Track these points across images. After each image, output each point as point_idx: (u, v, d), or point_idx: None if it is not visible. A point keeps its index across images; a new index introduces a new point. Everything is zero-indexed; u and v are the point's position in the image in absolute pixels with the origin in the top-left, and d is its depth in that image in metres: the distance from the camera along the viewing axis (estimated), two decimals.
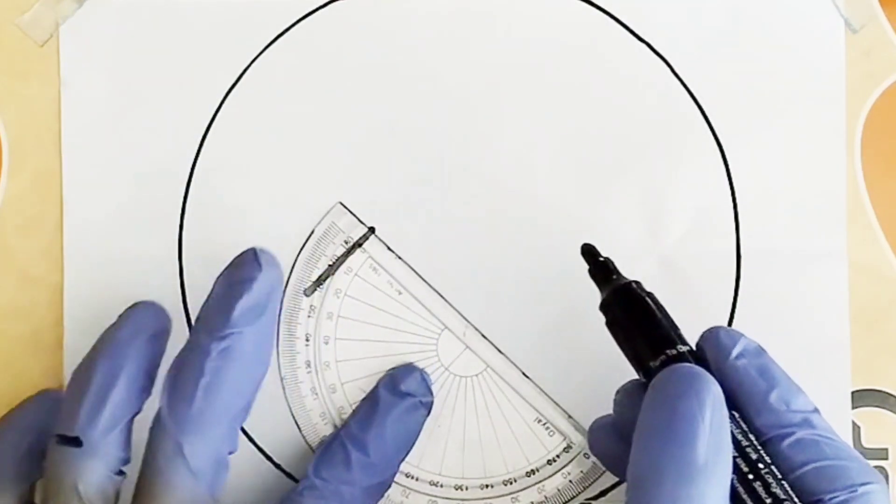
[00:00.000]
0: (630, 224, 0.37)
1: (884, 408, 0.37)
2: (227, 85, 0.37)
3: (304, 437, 0.37)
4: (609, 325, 0.32)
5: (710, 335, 0.31)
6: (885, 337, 0.37)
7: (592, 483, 0.37)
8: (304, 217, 0.37)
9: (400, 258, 0.37)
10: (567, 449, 0.37)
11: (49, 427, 0.32)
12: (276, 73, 0.37)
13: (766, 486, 0.28)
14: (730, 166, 0.37)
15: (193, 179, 0.37)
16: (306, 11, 0.37)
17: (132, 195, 0.37)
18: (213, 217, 0.37)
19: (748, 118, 0.37)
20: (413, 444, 0.36)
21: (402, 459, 0.35)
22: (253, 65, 0.37)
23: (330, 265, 0.37)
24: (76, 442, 0.30)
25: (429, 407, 0.36)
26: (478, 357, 0.37)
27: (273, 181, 0.37)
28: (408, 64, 0.37)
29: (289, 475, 0.37)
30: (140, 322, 0.33)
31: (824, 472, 0.29)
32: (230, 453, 0.31)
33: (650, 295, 0.31)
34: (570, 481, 0.37)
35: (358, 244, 0.37)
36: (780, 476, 0.29)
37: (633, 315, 0.31)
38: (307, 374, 0.36)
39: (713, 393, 0.28)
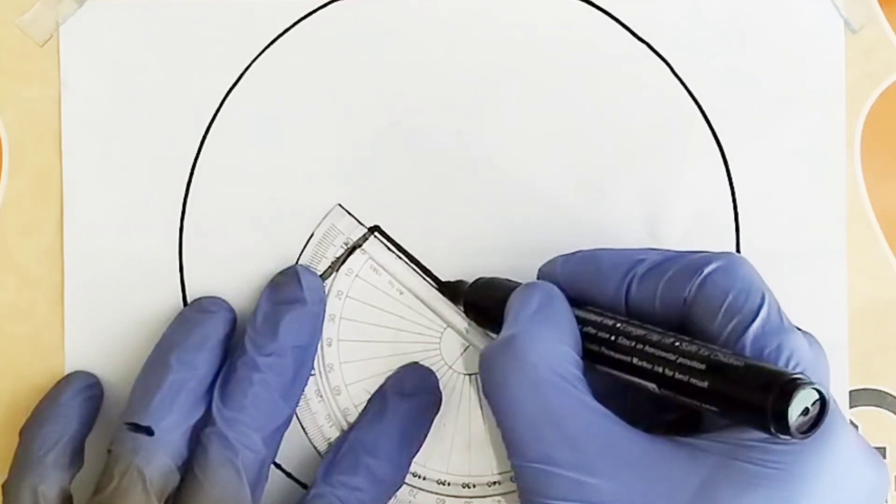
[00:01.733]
0: (630, 224, 0.37)
1: (882, 407, 0.37)
2: (227, 85, 0.37)
3: (309, 440, 0.37)
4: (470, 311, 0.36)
5: (539, 273, 0.35)
6: (883, 336, 0.37)
7: None
8: (304, 217, 0.37)
9: (401, 258, 0.37)
10: None
11: (89, 418, 0.35)
12: (276, 73, 0.37)
13: (627, 335, 0.30)
14: (730, 166, 0.37)
15: (193, 179, 0.37)
16: (306, 11, 0.37)
17: (132, 195, 0.37)
18: (213, 217, 0.37)
19: (748, 118, 0.37)
20: (422, 443, 0.36)
21: (412, 459, 0.35)
22: (253, 65, 0.37)
23: (330, 266, 0.37)
24: (148, 431, 0.32)
25: (437, 406, 0.36)
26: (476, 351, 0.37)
27: (273, 181, 0.37)
28: (407, 64, 0.37)
29: (295, 479, 0.37)
30: (211, 328, 0.35)
31: (670, 283, 0.31)
32: (271, 463, 0.34)
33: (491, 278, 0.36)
34: None
35: (358, 245, 0.37)
36: (640, 323, 0.31)
37: (484, 293, 0.35)
38: (311, 377, 0.36)
39: (541, 287, 0.32)
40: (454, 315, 0.37)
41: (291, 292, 0.35)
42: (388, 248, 0.37)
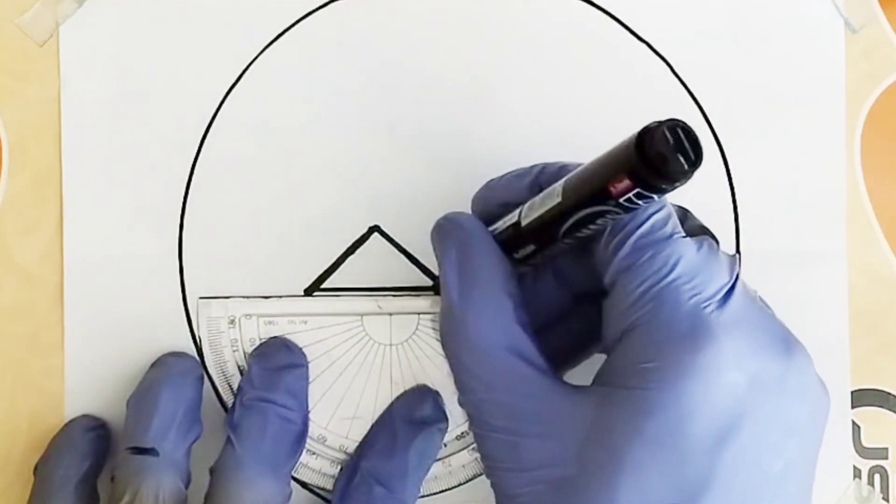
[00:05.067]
0: None
1: (883, 407, 0.37)
2: (227, 85, 0.37)
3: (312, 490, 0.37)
4: None
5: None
6: (884, 336, 0.37)
7: None
8: (303, 216, 0.37)
9: (405, 251, 0.37)
10: None
11: (100, 455, 0.35)
12: (276, 73, 0.37)
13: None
14: (730, 166, 0.37)
15: (193, 179, 0.37)
16: (306, 11, 0.37)
17: (132, 195, 0.37)
18: (213, 217, 0.37)
19: (748, 118, 0.37)
20: (430, 467, 0.36)
21: (422, 482, 0.35)
22: (253, 65, 0.37)
23: (331, 265, 0.37)
24: (153, 452, 0.32)
25: (445, 430, 0.36)
26: (403, 315, 0.37)
27: (273, 181, 0.37)
28: (407, 63, 0.37)
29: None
30: (186, 364, 0.35)
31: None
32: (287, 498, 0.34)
33: None
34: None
35: (358, 243, 0.37)
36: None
37: None
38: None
39: (456, 238, 0.33)
40: (356, 304, 0.37)
41: (285, 357, 0.36)
42: (392, 243, 0.37)
